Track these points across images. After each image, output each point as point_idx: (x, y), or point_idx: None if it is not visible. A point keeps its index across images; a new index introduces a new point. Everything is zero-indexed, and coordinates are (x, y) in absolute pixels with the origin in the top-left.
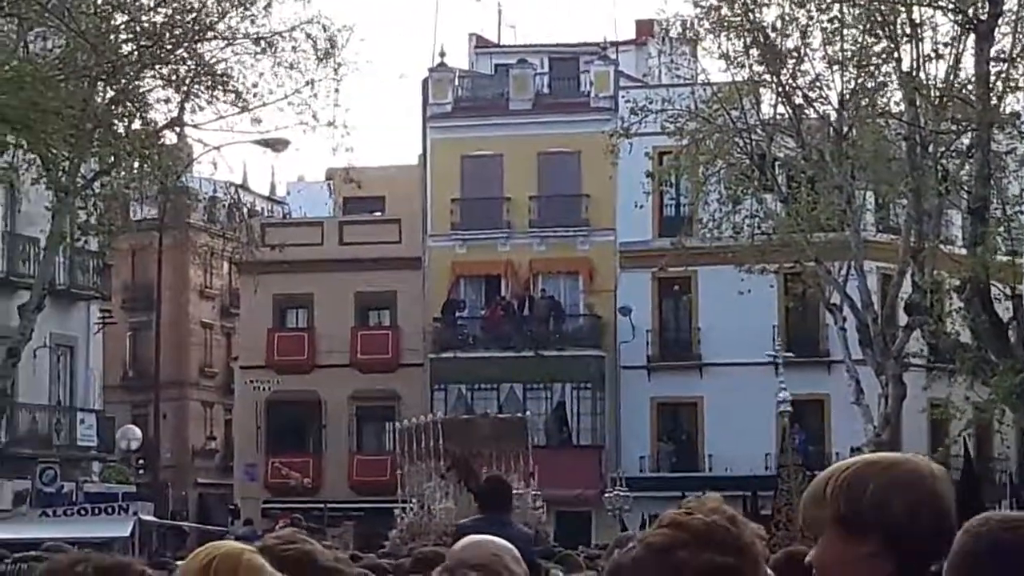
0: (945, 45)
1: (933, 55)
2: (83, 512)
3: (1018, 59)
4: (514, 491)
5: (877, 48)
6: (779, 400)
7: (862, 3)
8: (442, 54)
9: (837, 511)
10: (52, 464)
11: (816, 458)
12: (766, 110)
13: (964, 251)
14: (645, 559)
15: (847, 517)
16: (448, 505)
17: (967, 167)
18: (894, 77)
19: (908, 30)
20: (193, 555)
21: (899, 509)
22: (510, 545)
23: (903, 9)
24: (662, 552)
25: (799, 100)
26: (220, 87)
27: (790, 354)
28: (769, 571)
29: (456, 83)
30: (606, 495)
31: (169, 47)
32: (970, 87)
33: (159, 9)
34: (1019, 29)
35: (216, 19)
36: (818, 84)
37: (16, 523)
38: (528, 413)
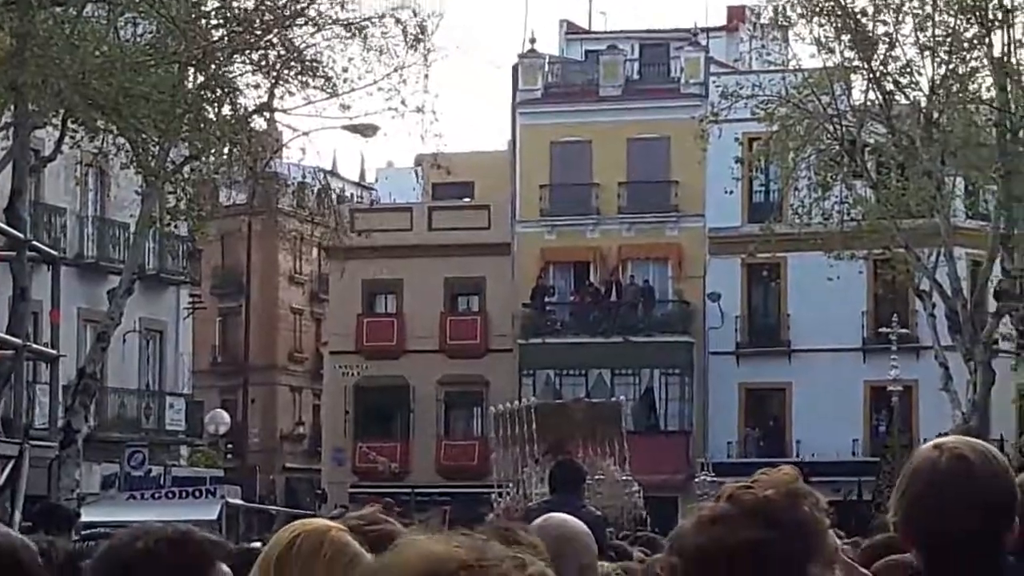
0: None
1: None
2: (171, 495)
3: None
4: (615, 476)
5: (968, 34)
6: (891, 378)
7: None
8: (532, 40)
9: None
10: (140, 448)
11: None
12: (856, 96)
13: None
14: (689, 530)
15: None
16: (544, 490)
17: None
18: (985, 63)
19: (999, 15)
20: (281, 531)
21: (895, 505)
22: (583, 527)
23: None
24: (706, 524)
25: (889, 86)
26: (309, 72)
27: (892, 336)
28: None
29: (546, 69)
30: (695, 480)
31: (259, 32)
32: None
33: None
34: None
35: (306, 4)
36: (909, 70)
37: (104, 506)
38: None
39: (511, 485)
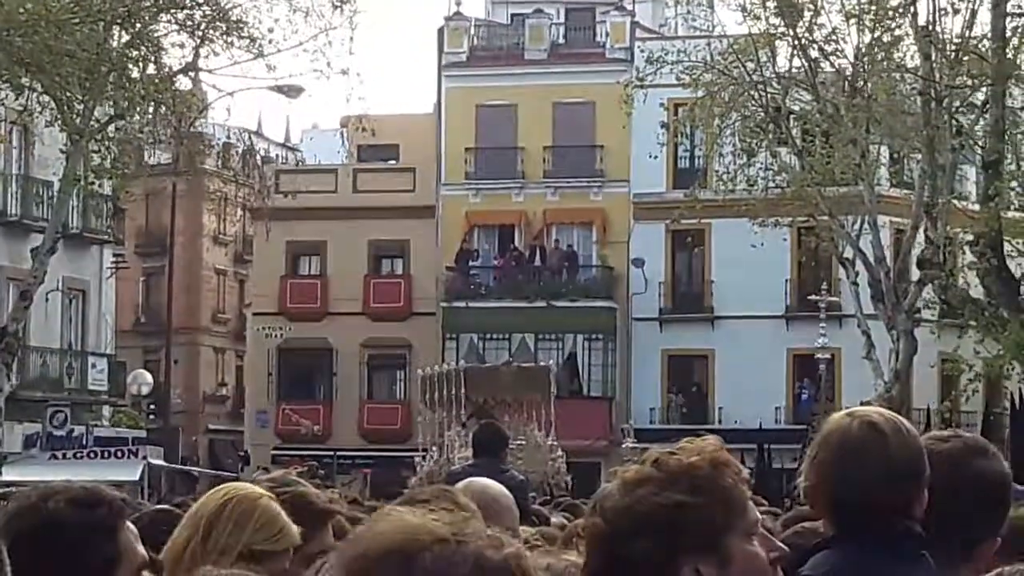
0: (959, 7)
1: (949, 9)
2: (93, 455)
3: None
4: (539, 441)
5: (893, 2)
6: (818, 346)
7: None
8: (458, 3)
9: (803, 486)
10: (63, 407)
11: (825, 412)
12: (782, 63)
13: (977, 206)
14: (613, 492)
15: (806, 489)
16: (467, 454)
17: (982, 122)
18: (910, 31)
19: None
20: (211, 492)
21: (806, 471)
22: (504, 490)
23: None
24: (629, 485)
25: (815, 53)
26: (235, 32)
27: (821, 304)
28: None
29: (472, 32)
30: (620, 446)
31: None
32: (986, 42)
33: None
34: None
35: None
36: (834, 37)
37: (26, 465)
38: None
39: (435, 449)
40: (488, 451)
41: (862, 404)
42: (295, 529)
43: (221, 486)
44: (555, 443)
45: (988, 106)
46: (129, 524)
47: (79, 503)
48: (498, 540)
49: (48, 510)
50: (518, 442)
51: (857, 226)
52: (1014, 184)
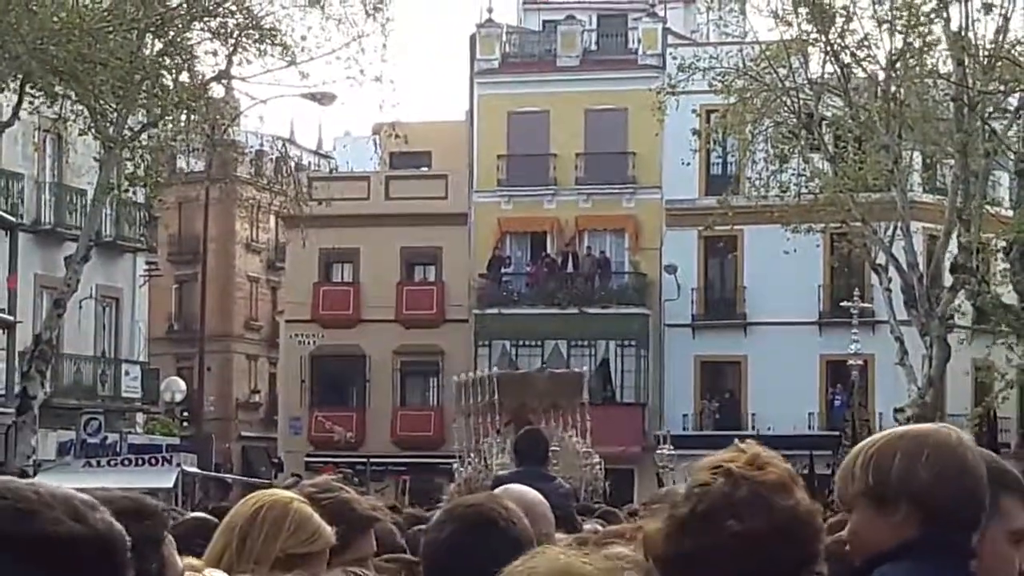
0: (994, 5)
1: (982, 15)
2: (127, 463)
3: None
4: (575, 447)
5: (926, 8)
6: (850, 352)
7: None
8: (490, 10)
9: (866, 484)
10: (96, 415)
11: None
12: (814, 69)
13: (1010, 212)
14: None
15: (875, 489)
16: (504, 460)
17: (1015, 128)
18: (943, 37)
19: None
20: (243, 501)
21: (925, 477)
22: (541, 497)
23: None
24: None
25: (847, 59)
26: (268, 40)
27: (853, 311)
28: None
29: (504, 39)
30: (657, 451)
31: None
32: (1019, 48)
33: None
34: None
35: None
36: (866, 43)
37: (60, 473)
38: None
39: (472, 455)
40: (531, 458)
41: (896, 411)
42: (329, 530)
43: (252, 494)
44: (590, 449)
45: (1021, 112)
46: (168, 535)
47: (127, 514)
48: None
49: None
50: (553, 449)
51: (890, 232)
52: None
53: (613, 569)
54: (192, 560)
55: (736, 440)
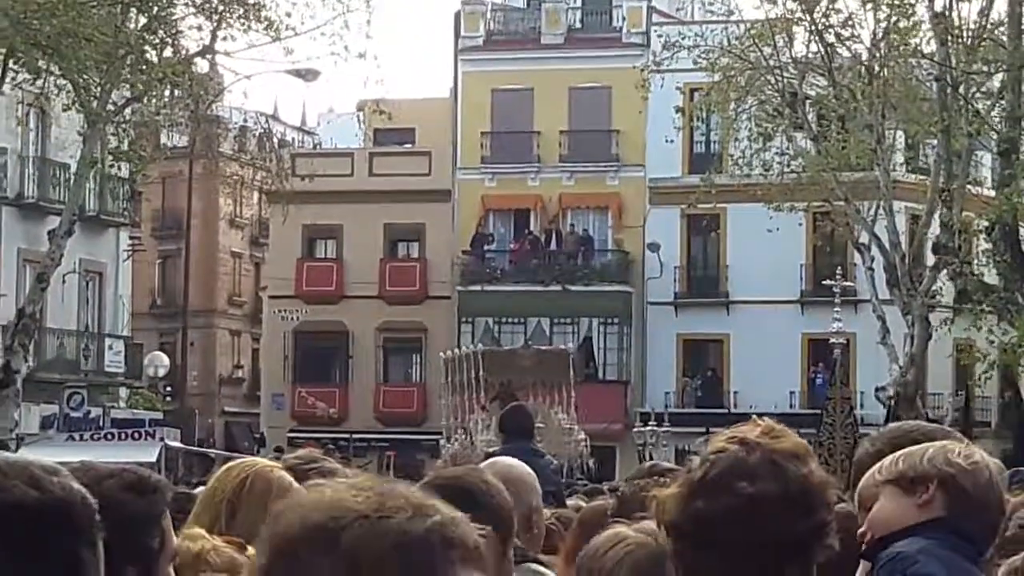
0: None
1: None
2: (110, 437)
3: None
4: (560, 424)
5: None
6: (832, 331)
7: None
8: None
9: (895, 475)
10: (79, 389)
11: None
12: (798, 48)
13: (993, 192)
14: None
15: (906, 475)
16: (489, 437)
17: (997, 108)
18: (926, 17)
19: None
20: (226, 470)
21: (957, 460)
22: (528, 469)
23: None
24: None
25: (831, 39)
26: (253, 16)
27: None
28: None
29: (488, 16)
30: (635, 429)
31: None
32: (1002, 28)
33: None
34: None
35: None
36: (851, 23)
37: (43, 447)
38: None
39: (459, 431)
40: (518, 434)
41: (877, 390)
42: None
43: (229, 464)
44: (575, 426)
45: (1004, 92)
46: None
47: (129, 489)
48: (423, 509)
49: (103, 495)
50: (538, 426)
51: (872, 211)
52: None
53: (383, 495)
54: (198, 530)
55: (727, 423)
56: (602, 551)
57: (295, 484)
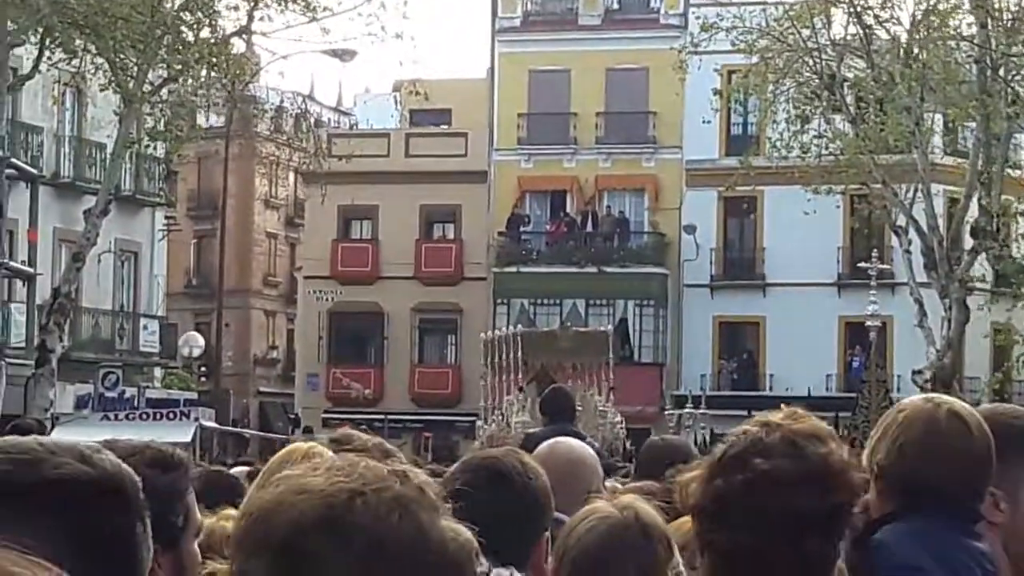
0: None
1: None
2: (144, 417)
3: None
4: (596, 406)
5: None
6: (867, 314)
7: None
8: None
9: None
10: (114, 369)
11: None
12: (837, 30)
13: None
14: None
15: (870, 464)
16: (524, 418)
17: None
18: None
19: None
20: (289, 451)
21: (887, 450)
22: (591, 451)
23: None
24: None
25: (870, 20)
26: None
27: (871, 272)
28: None
29: None
30: (667, 412)
31: None
32: None
33: None
34: None
35: None
36: (889, 4)
37: (77, 426)
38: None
39: (496, 412)
40: (559, 415)
41: (914, 373)
42: None
43: (293, 445)
44: (612, 408)
45: None
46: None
47: (153, 465)
48: (403, 474)
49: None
50: (577, 408)
51: (910, 194)
52: None
53: (362, 472)
54: (231, 510)
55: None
56: (574, 524)
57: None
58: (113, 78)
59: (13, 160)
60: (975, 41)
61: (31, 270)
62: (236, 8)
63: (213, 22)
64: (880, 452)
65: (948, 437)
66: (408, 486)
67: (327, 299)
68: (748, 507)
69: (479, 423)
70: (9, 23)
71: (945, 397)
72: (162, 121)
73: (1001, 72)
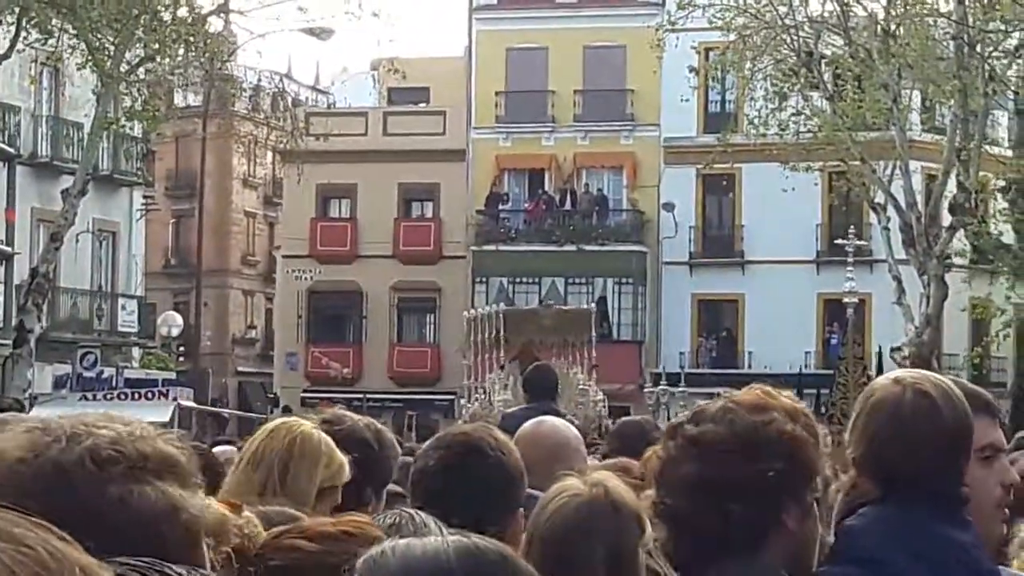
0: None
1: None
2: (123, 396)
3: None
4: (577, 384)
5: None
6: (845, 291)
7: None
8: None
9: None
10: (93, 349)
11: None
12: (814, 7)
13: (1010, 152)
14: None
15: (849, 457)
16: (506, 396)
17: (1015, 67)
18: None
19: None
20: (268, 432)
21: (857, 442)
22: (576, 431)
23: None
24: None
25: None
26: None
27: (848, 249)
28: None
29: None
30: (646, 389)
31: None
32: None
33: None
34: None
35: None
36: None
37: (56, 406)
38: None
39: (480, 391)
40: (541, 393)
41: (893, 350)
42: (347, 462)
43: (273, 425)
44: (594, 386)
45: (1021, 51)
46: None
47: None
48: (77, 437)
49: None
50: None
51: (888, 171)
52: None
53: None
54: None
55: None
56: (546, 502)
57: (336, 449)
58: (90, 57)
59: None
60: (952, 17)
61: (9, 250)
62: None
63: (190, 1)
64: (851, 445)
65: (915, 421)
66: (69, 451)
67: (306, 278)
68: (676, 473)
69: (462, 401)
70: None
71: (913, 373)
72: (139, 100)
73: (978, 48)
